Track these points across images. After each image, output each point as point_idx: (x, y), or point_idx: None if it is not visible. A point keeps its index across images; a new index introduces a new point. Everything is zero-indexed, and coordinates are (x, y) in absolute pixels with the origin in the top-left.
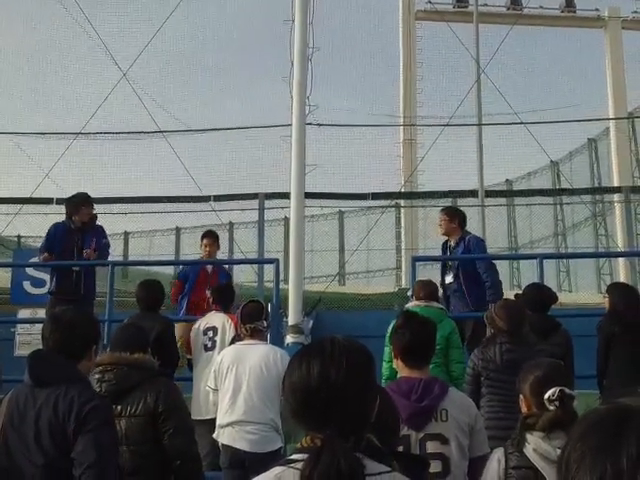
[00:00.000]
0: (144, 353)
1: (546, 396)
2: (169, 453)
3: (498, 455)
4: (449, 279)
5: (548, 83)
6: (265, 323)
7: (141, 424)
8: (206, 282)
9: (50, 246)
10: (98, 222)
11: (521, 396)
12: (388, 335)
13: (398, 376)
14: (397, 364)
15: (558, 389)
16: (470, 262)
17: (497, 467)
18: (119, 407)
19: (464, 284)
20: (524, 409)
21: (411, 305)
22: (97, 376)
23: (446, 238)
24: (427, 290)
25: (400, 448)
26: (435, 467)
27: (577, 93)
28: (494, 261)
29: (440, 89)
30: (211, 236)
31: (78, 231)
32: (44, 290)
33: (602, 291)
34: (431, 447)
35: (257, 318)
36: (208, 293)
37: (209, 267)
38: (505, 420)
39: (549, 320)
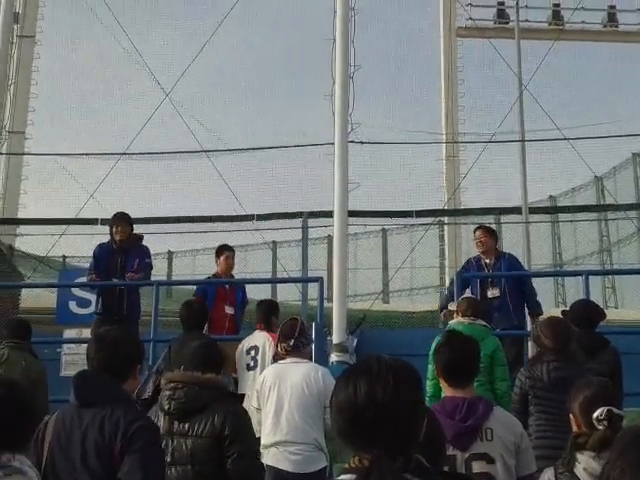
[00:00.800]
0: (217, 374)
1: (594, 415)
2: (231, 477)
3: (548, 475)
4: (494, 293)
5: (591, 98)
6: (293, 341)
7: (207, 445)
8: (225, 298)
9: (96, 266)
10: (145, 243)
11: (571, 415)
12: (432, 352)
13: (442, 395)
14: (442, 384)
15: (606, 409)
16: (516, 279)
17: None
18: (186, 425)
19: (510, 300)
20: (575, 428)
21: (454, 322)
22: (168, 393)
23: (475, 255)
24: (473, 307)
25: (446, 468)
26: None
27: (621, 108)
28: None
29: (482, 106)
30: (230, 250)
31: (121, 250)
32: (89, 310)
33: None
34: (477, 467)
35: (290, 336)
36: (229, 310)
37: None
38: (554, 439)
39: (597, 337)
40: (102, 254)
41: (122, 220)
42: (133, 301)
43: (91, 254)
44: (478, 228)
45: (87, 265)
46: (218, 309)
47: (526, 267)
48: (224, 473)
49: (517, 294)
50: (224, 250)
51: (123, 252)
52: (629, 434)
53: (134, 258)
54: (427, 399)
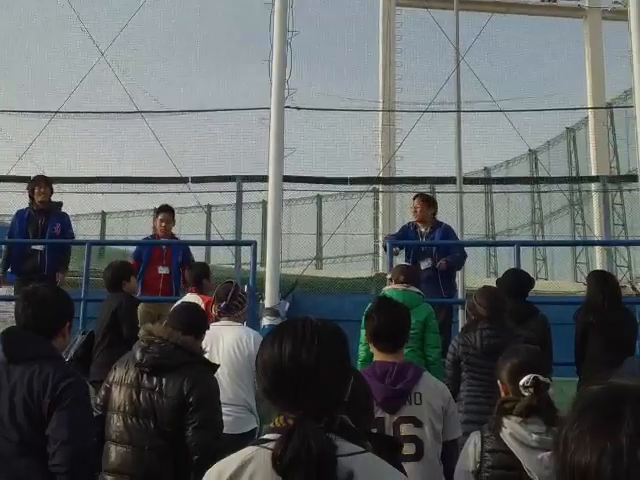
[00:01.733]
0: (197, 337)
1: (521, 383)
2: (189, 445)
3: (475, 438)
4: (425, 264)
5: (528, 72)
6: (225, 303)
7: (170, 405)
8: (161, 260)
9: (11, 232)
10: (79, 203)
11: (499, 381)
12: (364, 318)
13: (373, 360)
14: (372, 349)
15: (532, 376)
16: (447, 250)
17: (473, 450)
18: (154, 380)
19: (439, 272)
20: (502, 394)
21: (388, 289)
22: (142, 344)
23: (409, 223)
24: (407, 274)
25: (374, 430)
26: (409, 449)
27: (556, 82)
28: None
29: (419, 76)
30: (168, 210)
31: (41, 213)
32: None
33: (578, 280)
34: (405, 430)
35: (224, 299)
36: (162, 270)
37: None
38: (484, 405)
39: (527, 306)
40: (19, 221)
41: (43, 181)
42: (52, 262)
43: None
44: (417, 196)
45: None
46: (152, 270)
47: (459, 237)
48: (183, 438)
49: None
50: (161, 211)
51: (44, 215)
52: (587, 397)
53: (55, 222)
54: (359, 363)
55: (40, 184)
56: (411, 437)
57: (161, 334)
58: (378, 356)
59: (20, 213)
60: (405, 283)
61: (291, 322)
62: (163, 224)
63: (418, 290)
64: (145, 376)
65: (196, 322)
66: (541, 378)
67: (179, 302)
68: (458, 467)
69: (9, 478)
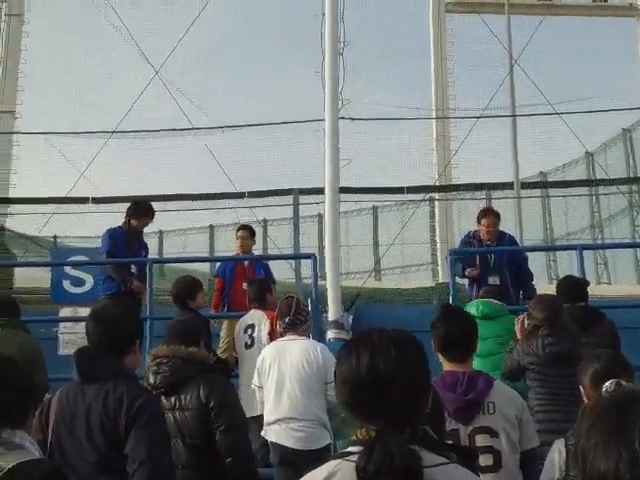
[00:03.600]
0: (198, 347)
1: (603, 389)
2: (220, 450)
3: (559, 446)
4: (495, 280)
5: (581, 73)
6: (289, 319)
7: (194, 417)
8: (244, 277)
9: (113, 249)
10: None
11: (581, 387)
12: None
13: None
14: (440, 358)
15: (614, 381)
16: (514, 262)
17: (558, 458)
18: (173, 399)
19: (510, 283)
20: (585, 400)
21: (472, 303)
22: (153, 368)
23: (471, 235)
24: (486, 292)
25: (449, 442)
26: (486, 461)
27: (611, 83)
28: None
29: (473, 82)
30: (246, 229)
31: (134, 238)
32: (84, 289)
33: None
34: (481, 440)
35: (287, 314)
36: (246, 287)
37: (246, 262)
38: (553, 413)
39: (591, 311)
40: (118, 238)
41: (153, 214)
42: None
43: (81, 234)
44: (485, 215)
45: (77, 244)
46: (237, 287)
47: (519, 243)
48: (214, 446)
49: (514, 279)
50: (240, 229)
51: (136, 240)
52: (599, 406)
53: (142, 250)
54: None
55: (149, 216)
56: (487, 448)
57: (166, 353)
58: (447, 366)
59: (117, 232)
60: (487, 297)
61: (367, 333)
62: (240, 241)
63: (501, 303)
64: (163, 398)
65: (192, 332)
66: (623, 383)
67: (241, 319)
68: (543, 476)
69: None
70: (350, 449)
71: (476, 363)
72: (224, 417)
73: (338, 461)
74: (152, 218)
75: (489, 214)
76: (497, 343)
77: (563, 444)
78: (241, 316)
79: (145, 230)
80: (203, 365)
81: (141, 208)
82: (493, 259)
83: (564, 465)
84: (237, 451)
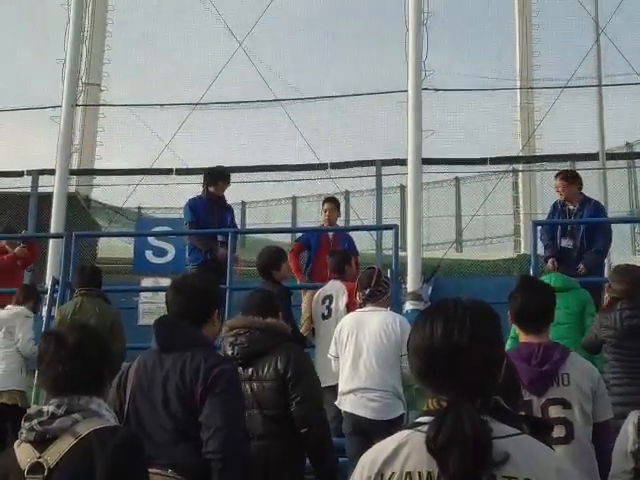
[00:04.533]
0: (276, 318)
1: None
2: (296, 420)
3: (634, 418)
4: (568, 243)
5: None
6: (369, 290)
7: (272, 388)
8: (328, 248)
9: (196, 219)
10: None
11: None
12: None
13: (518, 342)
14: (517, 330)
15: None
16: (593, 229)
17: (633, 429)
18: (250, 370)
19: (582, 251)
20: None
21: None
22: (230, 339)
23: (557, 201)
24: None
25: (522, 413)
26: (559, 432)
27: None
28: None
29: (558, 51)
30: (333, 202)
31: (216, 204)
32: (166, 259)
33: None
34: (554, 412)
35: (367, 285)
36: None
37: (330, 233)
38: (630, 386)
39: None
40: (199, 207)
41: (228, 178)
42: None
43: (166, 205)
44: (557, 175)
45: (161, 215)
46: (321, 258)
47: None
48: (290, 417)
49: (590, 243)
50: (326, 201)
51: (218, 206)
52: None
53: (226, 214)
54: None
55: (226, 181)
56: (560, 419)
57: (243, 324)
58: (523, 337)
59: (198, 202)
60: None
61: (442, 303)
62: (327, 213)
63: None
64: (240, 368)
65: (269, 304)
66: None
67: (320, 290)
68: (616, 447)
69: (166, 465)
70: (421, 419)
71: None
72: (301, 387)
73: (408, 431)
74: (228, 183)
75: (559, 175)
76: (566, 313)
77: (638, 416)
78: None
79: (227, 196)
80: (280, 336)
81: (215, 174)
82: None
83: (638, 437)
84: (312, 420)
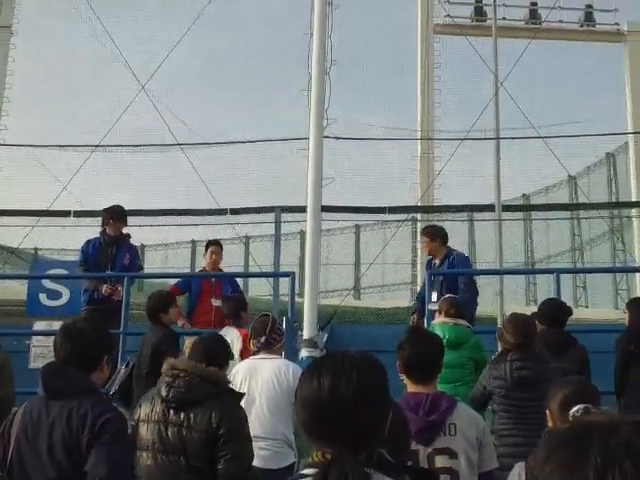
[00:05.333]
0: (220, 368)
1: (571, 413)
2: (222, 477)
3: (519, 470)
4: (434, 297)
5: (567, 97)
6: (263, 339)
7: (201, 440)
8: (211, 292)
9: (85, 261)
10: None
11: (548, 412)
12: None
13: (406, 392)
14: (405, 380)
15: (583, 406)
16: (453, 279)
17: None
18: (182, 415)
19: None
20: (550, 424)
21: (438, 322)
22: (167, 379)
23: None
24: (455, 307)
25: (409, 463)
26: None
27: (596, 107)
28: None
29: (458, 103)
30: (217, 244)
31: (111, 244)
32: (60, 302)
33: (619, 307)
34: (440, 462)
35: (262, 333)
36: (215, 302)
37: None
38: (517, 437)
39: (565, 336)
40: (91, 250)
41: (122, 217)
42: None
43: (62, 246)
44: (420, 231)
45: (58, 257)
46: (204, 302)
47: (498, 265)
48: (214, 471)
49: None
50: (209, 245)
51: (114, 246)
52: (555, 436)
53: (124, 253)
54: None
55: (119, 220)
56: (446, 469)
57: (185, 367)
58: (411, 387)
59: (92, 242)
60: (455, 317)
61: (330, 356)
62: (214, 256)
63: (467, 324)
64: (172, 411)
65: (218, 353)
66: (591, 409)
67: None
68: None
69: None
70: (305, 471)
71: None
72: (232, 446)
73: None
74: (124, 222)
75: (423, 232)
76: (461, 371)
77: (523, 468)
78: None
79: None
80: (219, 387)
81: (109, 213)
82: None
83: None
84: (239, 478)
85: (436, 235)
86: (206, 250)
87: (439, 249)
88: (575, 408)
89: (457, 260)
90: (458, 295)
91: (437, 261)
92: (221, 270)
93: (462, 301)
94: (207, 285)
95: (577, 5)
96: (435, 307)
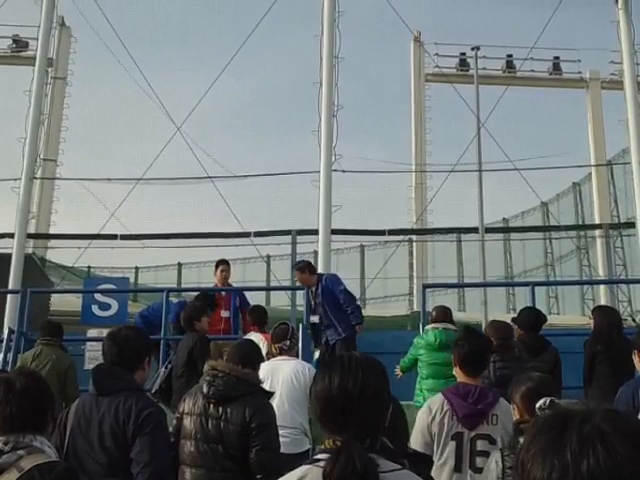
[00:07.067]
0: (253, 370)
1: (538, 405)
2: (254, 465)
3: (496, 457)
4: (315, 319)
5: (539, 135)
6: (289, 342)
7: (236, 431)
8: (220, 305)
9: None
10: (158, 255)
11: (513, 405)
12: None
13: (457, 382)
14: (456, 371)
15: (549, 399)
16: (332, 296)
17: (495, 468)
18: (220, 409)
19: (332, 316)
20: (516, 416)
21: (430, 327)
22: (208, 378)
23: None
24: (444, 314)
25: (453, 443)
26: (482, 463)
27: (564, 143)
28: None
29: (446, 140)
30: (226, 263)
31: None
32: (109, 313)
33: (586, 314)
34: (480, 445)
35: (282, 338)
36: (224, 314)
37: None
38: None
39: (540, 339)
40: None
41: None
42: None
43: (112, 265)
44: (292, 267)
45: (108, 274)
46: (215, 314)
47: (482, 279)
48: (247, 458)
49: (337, 310)
50: (219, 264)
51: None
52: (540, 422)
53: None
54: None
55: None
56: (485, 452)
57: (224, 368)
58: (462, 378)
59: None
60: (444, 322)
61: (339, 357)
62: (224, 274)
63: (455, 327)
64: (212, 406)
65: (252, 356)
66: (556, 401)
67: (239, 341)
68: None
69: None
70: (319, 456)
71: (433, 384)
72: (262, 437)
73: (308, 466)
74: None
75: (294, 268)
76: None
77: (500, 455)
78: (219, 339)
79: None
80: (253, 386)
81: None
82: (314, 300)
83: (501, 473)
84: (269, 468)
85: (303, 268)
86: (216, 268)
87: (309, 278)
88: (542, 401)
89: (328, 279)
90: (345, 307)
91: (314, 289)
92: (230, 285)
93: (352, 311)
94: (218, 299)
95: (546, 57)
96: (316, 320)
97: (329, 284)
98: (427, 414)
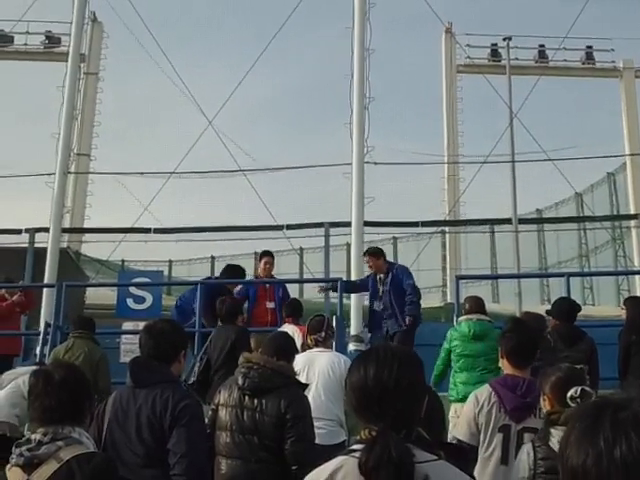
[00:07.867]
0: (288, 362)
1: (569, 394)
2: (289, 456)
3: (527, 448)
4: (379, 306)
5: (572, 125)
6: (324, 334)
7: (272, 423)
8: (265, 296)
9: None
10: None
11: (544, 396)
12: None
13: (503, 373)
14: (503, 363)
15: (580, 388)
16: (400, 287)
17: (527, 459)
18: (255, 401)
19: (397, 307)
20: (547, 407)
21: (463, 318)
22: (243, 371)
23: (371, 273)
24: (477, 305)
25: (500, 435)
26: None
27: (597, 133)
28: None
29: (478, 131)
30: (270, 255)
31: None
32: (144, 306)
33: (621, 305)
34: (527, 439)
35: (318, 330)
36: (270, 305)
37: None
38: None
39: (575, 329)
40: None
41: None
42: None
43: (146, 258)
44: (365, 253)
45: (142, 267)
46: (260, 305)
47: (516, 270)
48: (282, 449)
49: (402, 300)
50: (263, 256)
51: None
52: (579, 410)
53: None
54: (434, 377)
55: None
56: None
57: (259, 361)
58: (509, 370)
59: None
60: (478, 313)
61: (374, 349)
62: (267, 266)
63: (489, 318)
64: (247, 398)
65: (287, 349)
66: (587, 389)
67: (274, 333)
68: (514, 475)
69: None
70: (355, 447)
71: (467, 377)
72: (297, 429)
73: (344, 457)
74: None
75: (367, 253)
76: (485, 360)
77: (531, 446)
78: (266, 331)
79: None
80: (287, 378)
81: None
82: (382, 288)
83: (533, 464)
84: (304, 460)
85: (379, 254)
86: (260, 260)
87: (382, 265)
88: (572, 390)
89: (400, 271)
90: (406, 298)
91: (382, 275)
92: (273, 277)
93: (411, 302)
94: (262, 291)
95: (579, 46)
96: (379, 308)
97: (399, 274)
98: (474, 405)
